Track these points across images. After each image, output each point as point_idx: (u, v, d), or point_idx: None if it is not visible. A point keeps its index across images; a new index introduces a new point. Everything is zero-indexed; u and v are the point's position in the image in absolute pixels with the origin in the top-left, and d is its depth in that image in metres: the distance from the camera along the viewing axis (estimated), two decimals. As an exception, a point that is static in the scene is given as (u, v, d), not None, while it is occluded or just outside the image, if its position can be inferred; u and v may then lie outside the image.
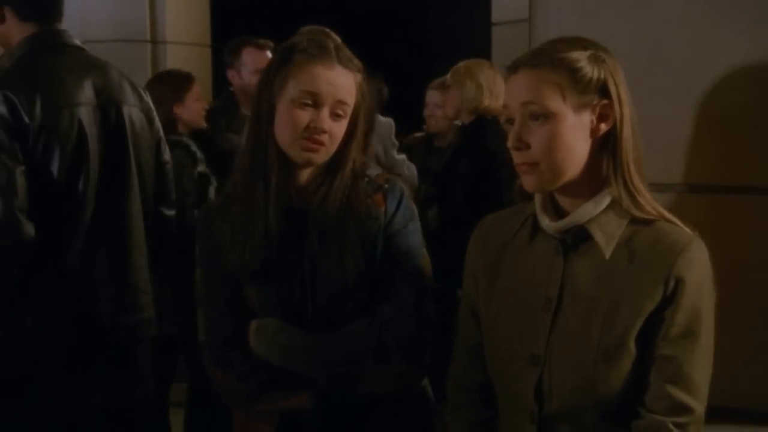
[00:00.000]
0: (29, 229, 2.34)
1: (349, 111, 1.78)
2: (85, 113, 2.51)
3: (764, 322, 2.18)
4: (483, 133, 3.71)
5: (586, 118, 1.49)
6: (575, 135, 1.49)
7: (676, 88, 2.19)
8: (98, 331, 2.54)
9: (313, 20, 2.85)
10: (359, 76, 1.81)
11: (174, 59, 4.96)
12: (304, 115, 1.74)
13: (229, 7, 5.59)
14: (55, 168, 2.42)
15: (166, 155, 2.83)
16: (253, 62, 4.00)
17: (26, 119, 2.38)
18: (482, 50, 3.93)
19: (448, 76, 3.84)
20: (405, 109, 4.66)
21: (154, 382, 2.74)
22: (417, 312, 1.78)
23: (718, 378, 1.54)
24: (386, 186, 1.83)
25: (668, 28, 2.19)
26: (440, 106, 4.33)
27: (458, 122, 3.94)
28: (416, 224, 1.85)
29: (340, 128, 1.78)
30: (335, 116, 1.76)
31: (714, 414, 1.60)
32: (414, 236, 1.83)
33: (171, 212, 2.86)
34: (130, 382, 2.65)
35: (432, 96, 4.44)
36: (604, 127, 1.50)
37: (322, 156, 1.77)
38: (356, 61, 1.81)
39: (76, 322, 2.50)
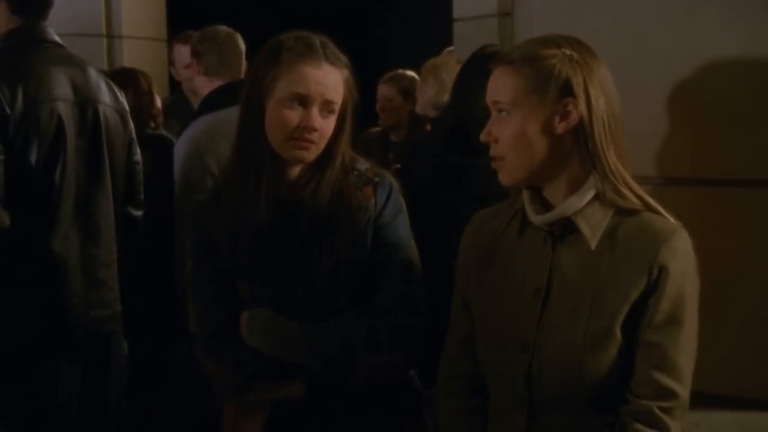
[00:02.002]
0: (4, 217, 2.34)
1: (338, 107, 1.81)
2: (64, 109, 2.51)
3: (744, 313, 2.23)
4: None
5: (547, 116, 1.53)
6: (536, 131, 1.53)
7: (658, 81, 2.22)
8: (67, 325, 2.53)
9: (269, 14, 2.84)
10: (346, 72, 1.84)
11: (130, 54, 4.90)
12: (294, 115, 1.76)
13: (184, 1, 5.54)
14: (33, 159, 2.42)
15: (137, 156, 2.84)
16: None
17: (8, 110, 2.37)
18: (443, 47, 3.93)
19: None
20: (363, 103, 4.62)
21: (128, 377, 2.74)
22: (406, 302, 1.81)
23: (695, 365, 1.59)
24: (376, 179, 1.86)
25: (650, 22, 2.21)
26: (391, 100, 4.31)
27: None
28: (405, 217, 1.88)
29: (329, 125, 1.80)
30: (324, 113, 1.79)
31: (697, 400, 1.65)
32: (403, 228, 1.87)
33: (138, 213, 2.87)
34: (99, 376, 2.64)
35: (383, 90, 4.34)
36: (565, 125, 1.53)
37: (313, 153, 1.80)
38: (342, 57, 1.84)
39: (45, 315, 2.49)
